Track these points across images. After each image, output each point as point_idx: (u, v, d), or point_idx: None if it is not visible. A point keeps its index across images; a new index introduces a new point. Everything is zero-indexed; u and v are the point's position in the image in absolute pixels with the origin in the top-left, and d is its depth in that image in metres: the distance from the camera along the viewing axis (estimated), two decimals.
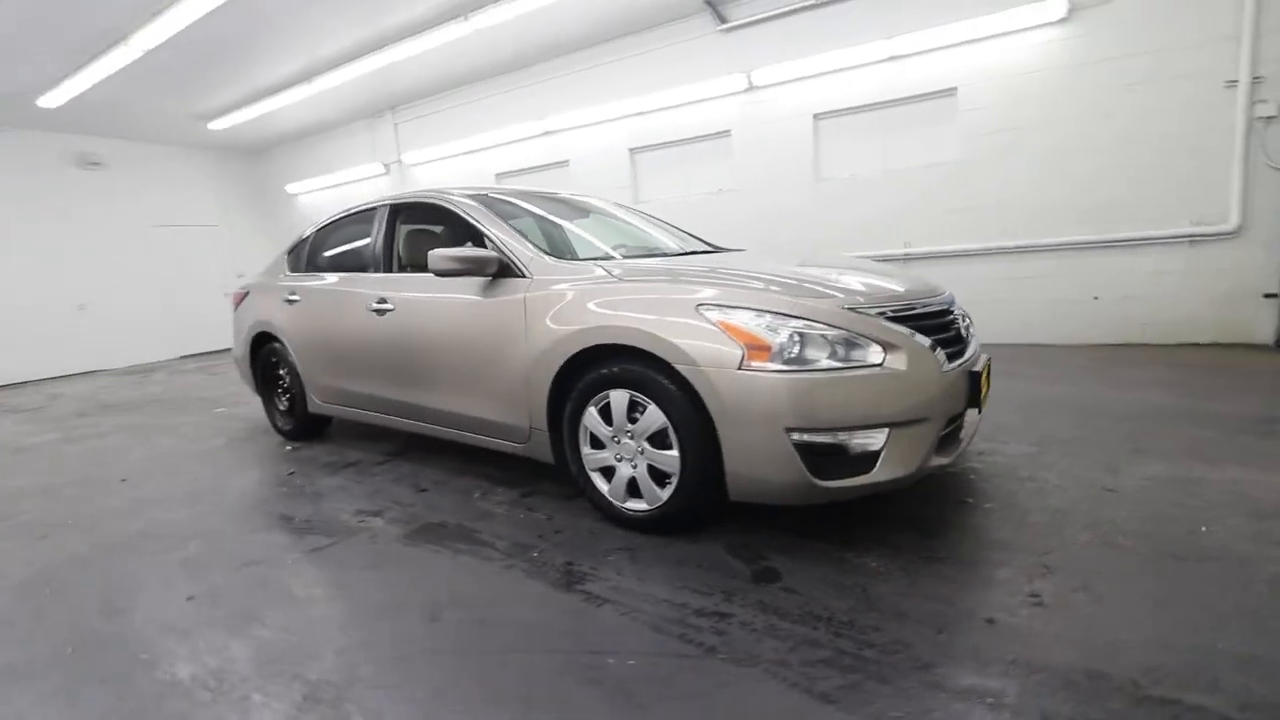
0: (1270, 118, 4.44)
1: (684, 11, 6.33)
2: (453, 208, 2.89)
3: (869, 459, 1.88)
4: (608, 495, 2.25)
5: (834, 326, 1.89)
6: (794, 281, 2.09)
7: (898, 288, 2.21)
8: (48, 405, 6.19)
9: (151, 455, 3.84)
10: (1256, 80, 4.43)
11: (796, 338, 1.86)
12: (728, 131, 6.55)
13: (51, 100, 6.86)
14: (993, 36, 5.16)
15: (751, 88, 6.26)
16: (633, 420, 2.12)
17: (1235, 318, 4.74)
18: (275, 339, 3.77)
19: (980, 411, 2.21)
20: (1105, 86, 4.83)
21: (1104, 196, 4.97)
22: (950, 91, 5.46)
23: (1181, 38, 4.57)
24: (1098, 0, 4.75)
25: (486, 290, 2.57)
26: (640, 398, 2.08)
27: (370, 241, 3.29)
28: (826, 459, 1.85)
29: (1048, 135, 5.10)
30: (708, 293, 2.00)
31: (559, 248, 2.86)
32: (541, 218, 3.11)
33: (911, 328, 1.99)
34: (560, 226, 3.14)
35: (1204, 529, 1.99)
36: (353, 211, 3.55)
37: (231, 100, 7.69)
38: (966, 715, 1.27)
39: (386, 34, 6.17)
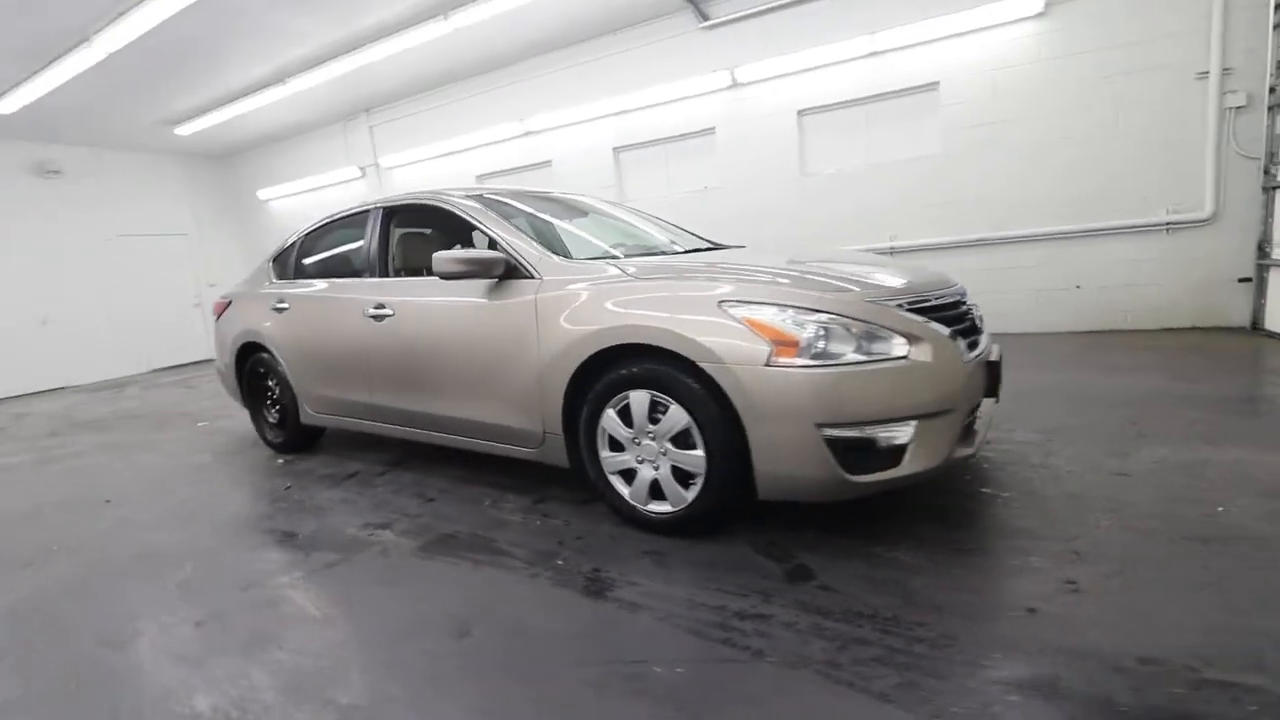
0: (1240, 107, 4.58)
1: (665, 9, 6.30)
2: (453, 209, 2.82)
3: (897, 452, 1.86)
4: (628, 498, 2.21)
5: (858, 320, 1.87)
6: (811, 275, 2.07)
7: (911, 279, 2.20)
8: (13, 425, 5.91)
9: (135, 474, 3.67)
10: (1226, 71, 4.57)
11: (823, 332, 1.84)
12: (712, 129, 6.54)
13: (6, 106, 6.55)
14: (973, 31, 5.24)
15: (735, 85, 6.26)
16: (654, 421, 2.08)
17: (1212, 302, 4.89)
18: (263, 349, 3.64)
19: (997, 401, 2.22)
20: (1083, 79, 4.93)
21: (1084, 187, 5.08)
22: (932, 86, 5.52)
23: (1155, 30, 4.69)
24: None
25: (492, 293, 2.51)
26: (662, 398, 2.04)
27: (363, 245, 3.19)
28: (856, 453, 1.84)
29: (1028, 128, 5.19)
30: (729, 289, 1.97)
31: (563, 248, 2.80)
32: (541, 217, 3.05)
33: (929, 319, 1.99)
34: (561, 226, 3.08)
35: (1220, 510, 2.02)
36: (342, 215, 3.44)
37: (200, 104, 7.43)
38: (1027, 708, 1.26)
39: (363, 34, 6.02)
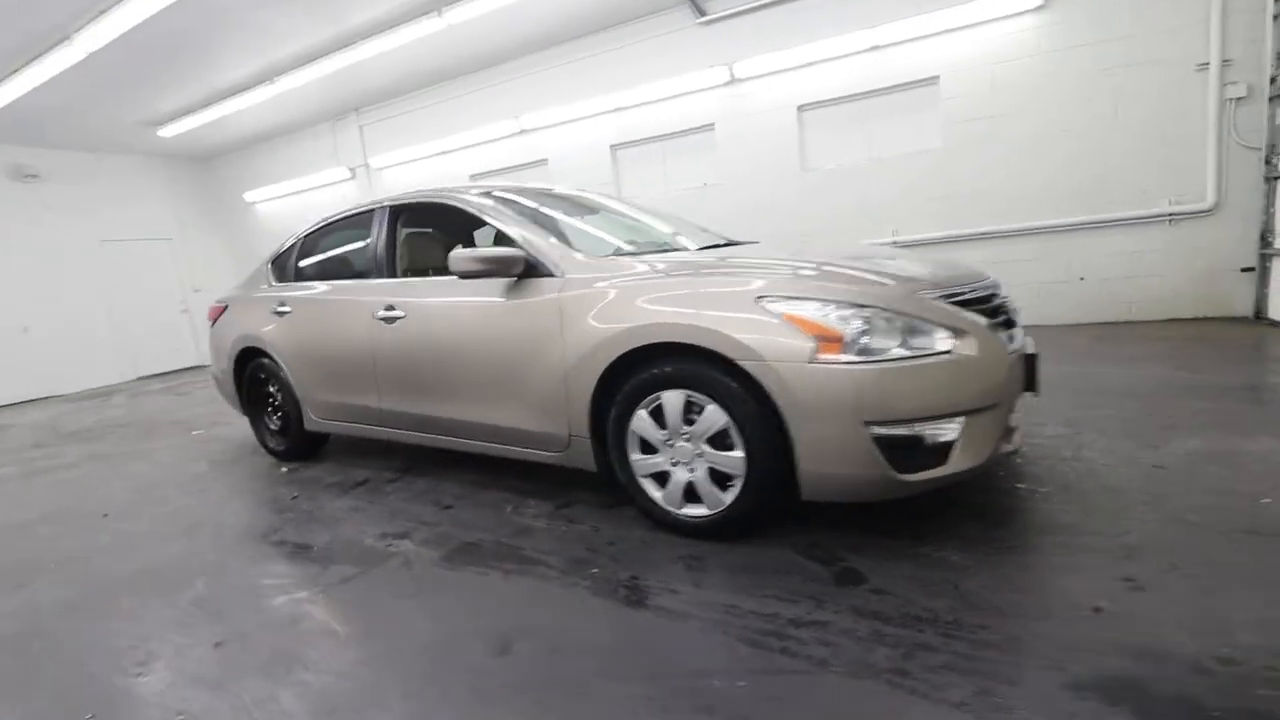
0: (1240, 98, 4.60)
1: (663, 4, 6.23)
2: (465, 207, 2.72)
3: (944, 449, 1.81)
4: (661, 502, 2.13)
5: (902, 313, 1.81)
6: (846, 270, 2.01)
7: (946, 272, 2.15)
8: None
9: (130, 485, 3.53)
10: (1226, 63, 4.59)
11: (867, 327, 1.78)
12: (711, 125, 6.48)
13: None
14: (972, 25, 5.22)
15: (734, 80, 6.21)
16: (689, 422, 2.01)
17: (1215, 292, 4.91)
18: (264, 354, 3.52)
19: (1036, 395, 2.17)
20: (1083, 72, 4.94)
21: (1085, 179, 5.09)
22: (932, 80, 5.51)
23: (1154, 23, 4.70)
24: None
25: (511, 292, 2.42)
26: (697, 397, 1.97)
27: (369, 246, 3.08)
28: (904, 451, 1.78)
29: (1029, 121, 5.19)
30: (766, 284, 1.91)
31: (580, 245, 2.72)
32: (554, 214, 2.96)
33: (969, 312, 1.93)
34: (573, 223, 2.99)
35: (1265, 502, 1.99)
36: (346, 215, 3.33)
37: (184, 104, 7.24)
38: (1112, 714, 1.21)
39: (354, 31, 5.89)
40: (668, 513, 2.13)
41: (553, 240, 2.43)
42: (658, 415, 2.07)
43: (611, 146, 7.04)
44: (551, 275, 2.34)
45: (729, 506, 1.99)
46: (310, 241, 3.51)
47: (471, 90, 7.58)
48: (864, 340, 1.77)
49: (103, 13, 4.77)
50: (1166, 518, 1.95)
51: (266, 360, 3.53)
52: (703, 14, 6.15)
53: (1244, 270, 4.80)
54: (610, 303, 2.12)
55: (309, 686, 1.55)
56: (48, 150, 8.23)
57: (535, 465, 2.61)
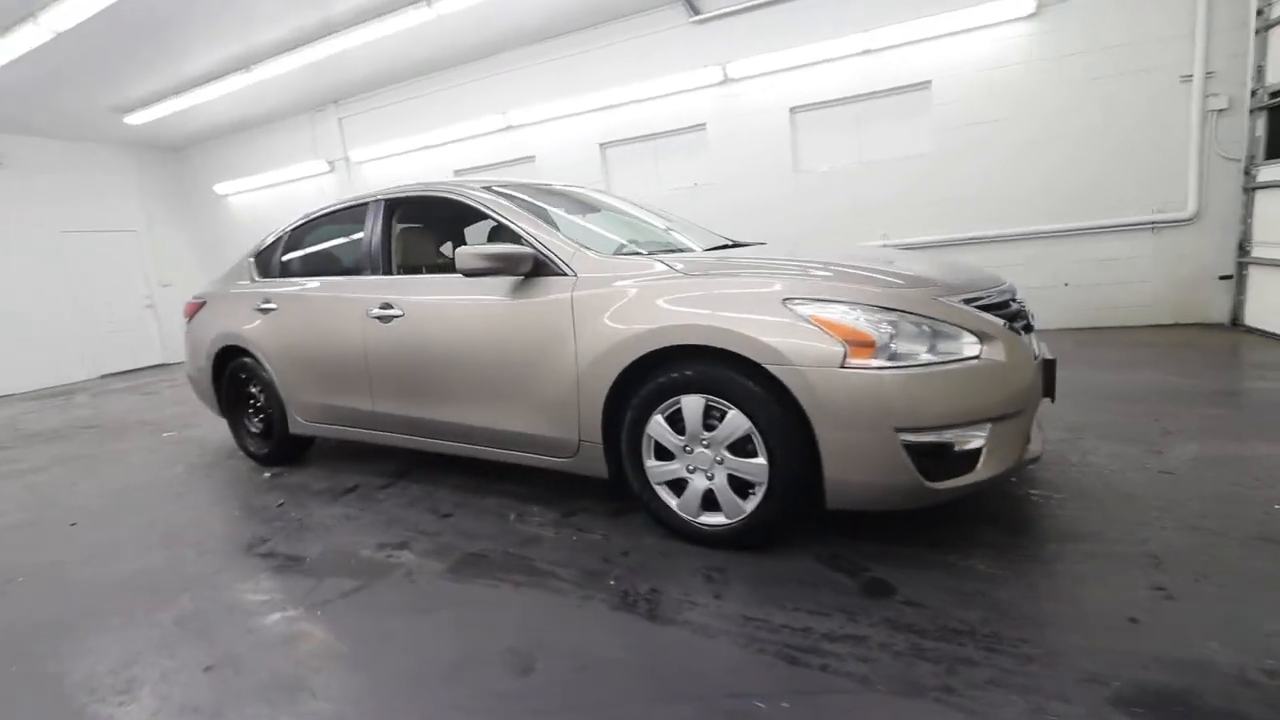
0: (1222, 110, 4.72)
1: (656, 2, 6.17)
2: (468, 201, 2.62)
3: (972, 457, 1.78)
4: (678, 510, 2.07)
5: (931, 318, 1.78)
6: (869, 272, 1.97)
7: (968, 276, 2.13)
8: None
9: (101, 491, 3.34)
10: (1209, 75, 4.70)
11: (897, 331, 1.74)
12: (703, 125, 6.44)
13: None
14: (965, 31, 5.27)
15: (727, 80, 6.17)
16: (708, 428, 1.94)
17: (1194, 299, 5.04)
18: (246, 353, 3.35)
19: (1053, 401, 2.16)
20: (1073, 81, 5.02)
21: (1074, 186, 5.17)
22: (924, 85, 5.54)
23: (1142, 34, 4.79)
24: None
25: (518, 291, 2.33)
26: (718, 402, 1.91)
27: (363, 241, 2.95)
28: (933, 459, 1.74)
29: (1020, 128, 5.25)
30: (792, 286, 1.85)
31: (587, 243, 2.64)
32: (558, 211, 2.87)
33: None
34: (578, 221, 2.91)
35: (1277, 508, 2.01)
36: (336, 208, 3.19)
37: (154, 91, 6.93)
38: None
39: (338, 19, 5.70)
40: (684, 521, 2.06)
41: (563, 238, 2.35)
42: (675, 421, 2.00)
43: (601, 145, 6.95)
44: (562, 274, 2.25)
45: (750, 515, 1.93)
46: (298, 235, 3.36)
47: (457, 84, 7.41)
48: (895, 345, 1.73)
49: None
50: (1183, 525, 1.95)
51: (248, 359, 3.36)
52: (696, 13, 6.10)
53: (1222, 278, 4.93)
54: (629, 303, 2.04)
55: (318, 715, 1.44)
56: (6, 135, 7.81)
57: (534, 470, 2.52)
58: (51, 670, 1.72)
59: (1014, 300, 2.17)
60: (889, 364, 1.71)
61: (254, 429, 3.53)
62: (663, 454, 2.06)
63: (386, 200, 2.93)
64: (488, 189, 2.70)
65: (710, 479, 1.99)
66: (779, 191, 6.23)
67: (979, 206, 5.50)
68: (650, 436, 2.06)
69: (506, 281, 2.36)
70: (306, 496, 2.94)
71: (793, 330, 1.77)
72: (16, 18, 4.79)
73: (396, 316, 2.67)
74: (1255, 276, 4.72)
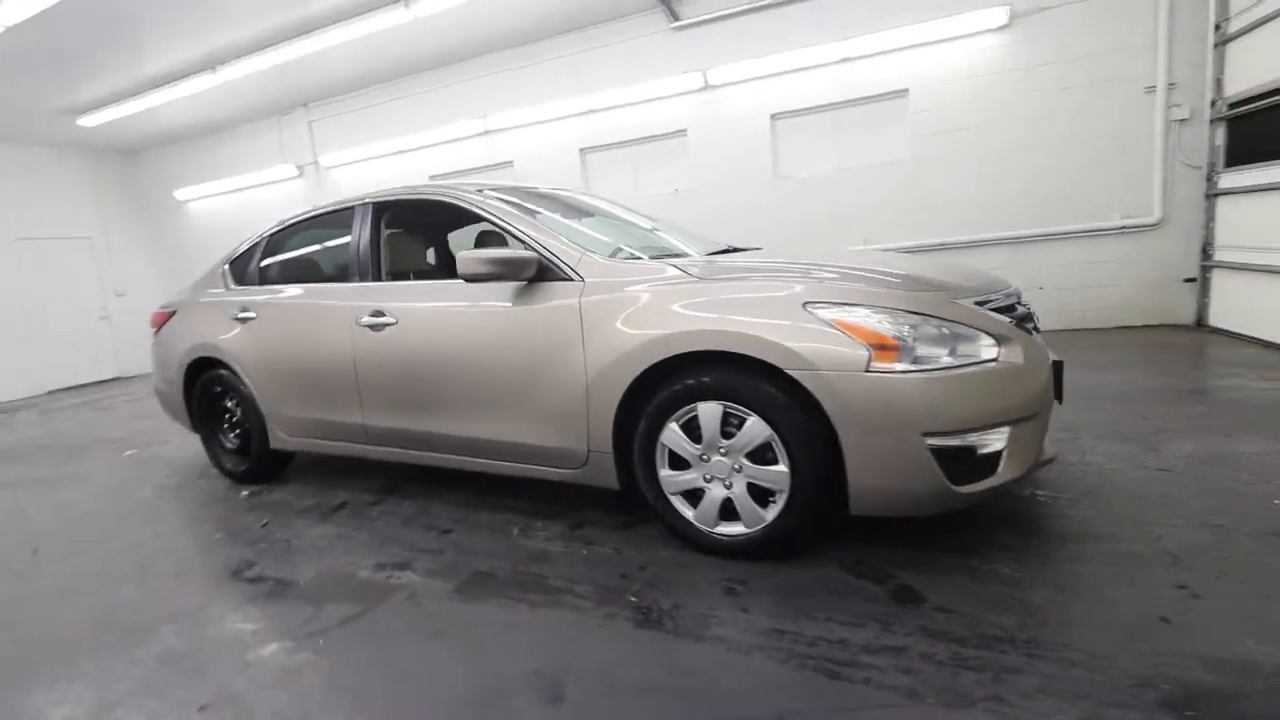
0: (1184, 120, 4.92)
1: (635, 7, 6.15)
2: (465, 205, 2.53)
3: (993, 460, 1.77)
4: (694, 521, 2.01)
5: (951, 320, 1.77)
6: (885, 275, 1.95)
7: (977, 279, 2.13)
8: None
9: (62, 516, 3.11)
10: (1171, 86, 4.90)
11: (920, 335, 1.72)
12: (684, 131, 6.44)
13: None
14: (941, 41, 5.39)
15: (707, 86, 6.19)
16: (726, 435, 1.89)
17: (1161, 301, 5.22)
18: (221, 365, 3.18)
19: (1061, 403, 2.17)
20: (1046, 90, 5.17)
21: (1046, 192, 5.32)
22: (902, 93, 5.65)
23: (1108, 45, 4.97)
24: (1036, 8, 5.08)
25: (520, 297, 2.24)
26: (736, 409, 1.86)
27: (350, 246, 2.82)
28: (958, 463, 1.72)
29: (993, 135, 5.38)
30: (811, 289, 1.82)
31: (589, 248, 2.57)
32: (555, 215, 2.80)
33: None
34: (574, 224, 2.84)
35: (1277, 503, 2.06)
36: (320, 212, 3.05)
37: (111, 91, 6.61)
38: None
39: (312, 18, 5.52)
40: (701, 532, 2.00)
41: (568, 242, 2.27)
42: (691, 428, 1.95)
43: (581, 150, 6.90)
44: (567, 279, 2.18)
45: (770, 524, 1.89)
46: (278, 240, 3.21)
47: (434, 87, 7.27)
48: (919, 348, 1.71)
49: None
50: (1192, 522, 1.98)
51: (224, 372, 3.19)
52: (676, 19, 6.11)
53: (1186, 281, 5.13)
54: (642, 308, 1.98)
55: None
56: None
57: (535, 483, 2.44)
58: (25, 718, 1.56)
59: (1020, 303, 2.18)
60: (913, 367, 1.69)
61: (230, 445, 3.34)
62: (677, 463, 2.01)
63: (375, 203, 2.82)
64: (482, 192, 2.62)
65: (728, 488, 1.94)
66: (759, 197, 6.26)
67: (955, 212, 5.61)
68: (665, 445, 2.00)
69: (508, 287, 2.28)
70: (291, 515, 2.79)
71: (816, 334, 1.74)
72: None
73: (389, 324, 2.55)
74: (1218, 279, 4.92)
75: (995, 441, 1.76)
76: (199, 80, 6.31)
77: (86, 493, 3.47)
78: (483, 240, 3.06)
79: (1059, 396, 2.10)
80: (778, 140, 6.18)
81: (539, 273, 2.22)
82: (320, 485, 3.15)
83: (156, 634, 1.89)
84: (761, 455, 1.86)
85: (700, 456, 1.95)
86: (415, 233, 3.04)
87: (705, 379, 1.89)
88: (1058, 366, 2.08)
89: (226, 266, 3.37)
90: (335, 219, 2.98)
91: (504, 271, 2.17)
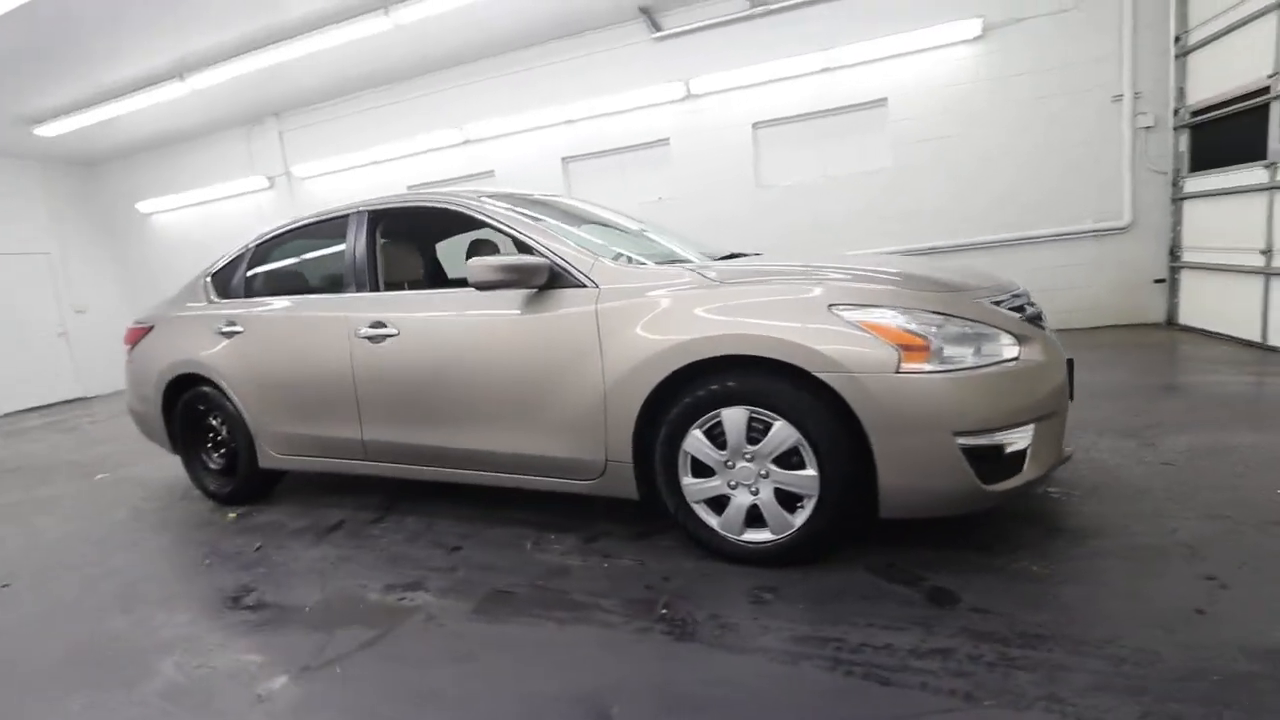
0: (1149, 127, 5.13)
1: (617, 18, 6.18)
2: (469, 212, 2.46)
3: (1018, 458, 1.78)
4: (719, 529, 1.97)
5: (974, 320, 1.78)
6: (903, 276, 1.96)
7: (990, 280, 2.16)
8: None
9: (33, 543, 2.92)
10: (1137, 96, 5.11)
11: (946, 335, 1.72)
12: (666, 140, 6.47)
13: None
14: (918, 51, 5.53)
15: (690, 96, 6.23)
16: (751, 441, 1.87)
17: (1133, 302, 5.41)
18: (206, 381, 3.04)
19: (1072, 399, 2.20)
20: (1020, 100, 5.33)
21: (1022, 198, 5.47)
22: (881, 102, 5.77)
23: (1078, 56, 5.16)
24: (1009, 20, 5.25)
25: (532, 304, 2.19)
26: (762, 414, 1.84)
27: (346, 255, 2.73)
28: (987, 462, 1.72)
29: (971, 143, 5.53)
30: (833, 292, 1.81)
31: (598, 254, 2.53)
32: (557, 221, 2.75)
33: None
34: (577, 230, 2.79)
35: (1278, 492, 2.11)
36: (311, 221, 2.94)
37: (72, 100, 6.34)
38: None
39: (288, 25, 5.39)
40: (726, 540, 1.97)
41: (579, 248, 2.23)
42: (714, 435, 1.92)
43: (564, 159, 6.87)
44: (580, 285, 2.14)
45: (799, 529, 1.86)
46: (264, 251, 3.09)
47: (411, 96, 7.16)
48: (946, 349, 1.71)
49: None
50: (1202, 514, 2.02)
51: (208, 389, 3.05)
52: (658, 29, 6.14)
53: (1156, 281, 5.32)
54: (663, 313, 1.95)
55: None
56: None
57: (542, 495, 2.38)
58: None
59: (1029, 303, 2.21)
60: (942, 367, 1.69)
61: (214, 465, 3.19)
62: (700, 471, 1.97)
63: (371, 212, 2.73)
64: (480, 198, 2.56)
65: (754, 494, 1.91)
66: (742, 206, 6.31)
67: (935, 218, 5.73)
68: (687, 453, 1.96)
69: (517, 295, 2.22)
70: (285, 537, 2.66)
71: (844, 337, 1.73)
72: None
73: (390, 336, 2.47)
74: (1186, 280, 5.12)
75: (1020, 440, 1.77)
76: (167, 89, 6.09)
77: (61, 519, 3.27)
78: (475, 249, 3.00)
79: (1070, 394, 2.14)
80: (760, 149, 6.25)
81: (550, 280, 2.17)
82: (312, 505, 3.02)
83: (153, 667, 1.77)
84: (788, 460, 1.84)
85: (725, 463, 1.92)
86: (412, 241, 2.96)
87: (730, 384, 1.86)
88: (1069, 364, 2.11)
89: (208, 278, 3.23)
90: (327, 228, 2.88)
91: (516, 279, 2.12)
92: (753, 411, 1.85)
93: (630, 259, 2.35)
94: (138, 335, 3.38)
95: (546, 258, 2.19)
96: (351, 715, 1.48)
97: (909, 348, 1.69)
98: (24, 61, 5.40)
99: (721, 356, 1.86)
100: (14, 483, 4.15)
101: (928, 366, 1.69)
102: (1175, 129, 5.01)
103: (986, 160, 5.51)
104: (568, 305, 2.13)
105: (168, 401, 3.20)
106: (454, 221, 2.59)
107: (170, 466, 3.87)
